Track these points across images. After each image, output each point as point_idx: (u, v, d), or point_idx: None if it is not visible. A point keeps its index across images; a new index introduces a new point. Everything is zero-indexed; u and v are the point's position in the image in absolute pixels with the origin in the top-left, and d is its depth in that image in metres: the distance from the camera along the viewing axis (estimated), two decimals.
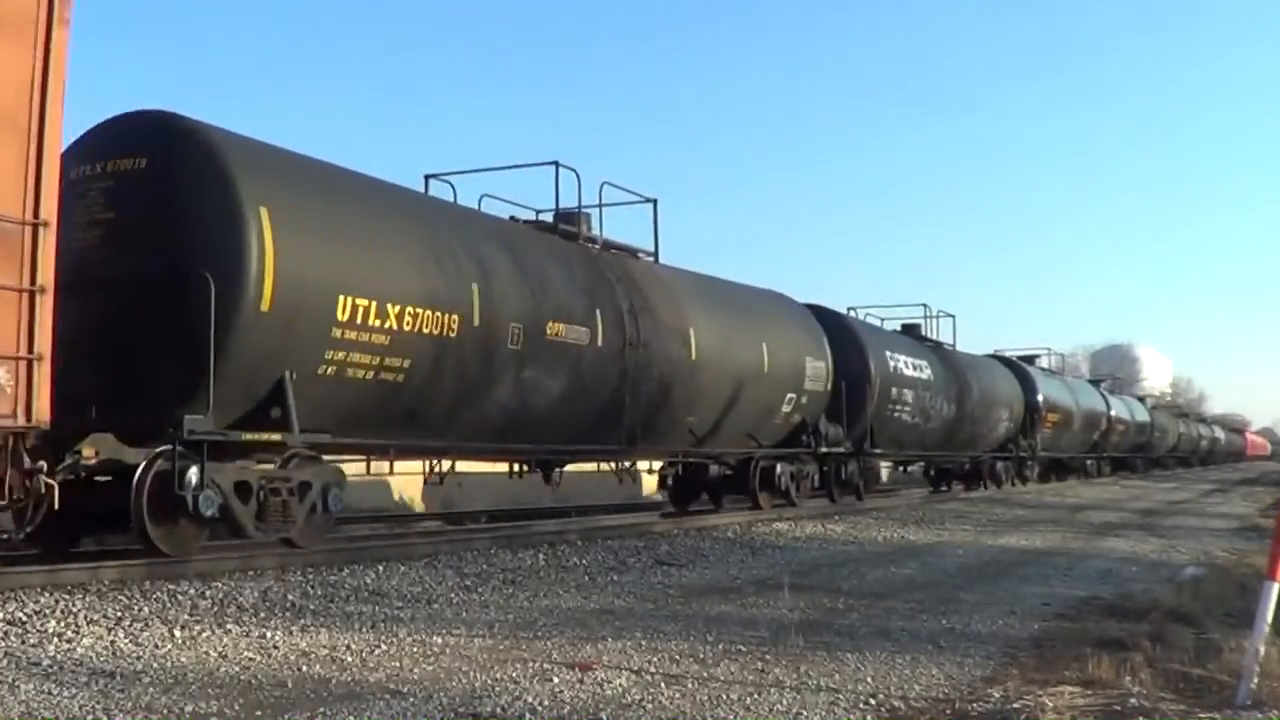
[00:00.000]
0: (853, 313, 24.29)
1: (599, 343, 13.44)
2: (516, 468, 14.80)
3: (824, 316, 20.68)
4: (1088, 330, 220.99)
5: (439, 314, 11.07)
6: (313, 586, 9.00)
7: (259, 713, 5.30)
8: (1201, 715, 5.46)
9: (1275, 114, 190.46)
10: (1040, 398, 32.38)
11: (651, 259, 16.15)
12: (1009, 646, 7.59)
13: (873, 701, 5.93)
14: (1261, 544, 14.39)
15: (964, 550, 14.51)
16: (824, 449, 19.24)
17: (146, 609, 7.68)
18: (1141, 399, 57.92)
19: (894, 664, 6.89)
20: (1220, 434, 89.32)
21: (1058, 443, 35.10)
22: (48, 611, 7.31)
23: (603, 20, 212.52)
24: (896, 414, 22.42)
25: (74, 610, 7.39)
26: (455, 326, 11.26)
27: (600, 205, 15.06)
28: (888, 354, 22.34)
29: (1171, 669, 6.41)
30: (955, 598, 9.81)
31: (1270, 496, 32.84)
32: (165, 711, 5.24)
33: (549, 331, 12.62)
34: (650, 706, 5.66)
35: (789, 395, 17.96)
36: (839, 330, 20.79)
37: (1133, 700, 5.70)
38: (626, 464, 16.05)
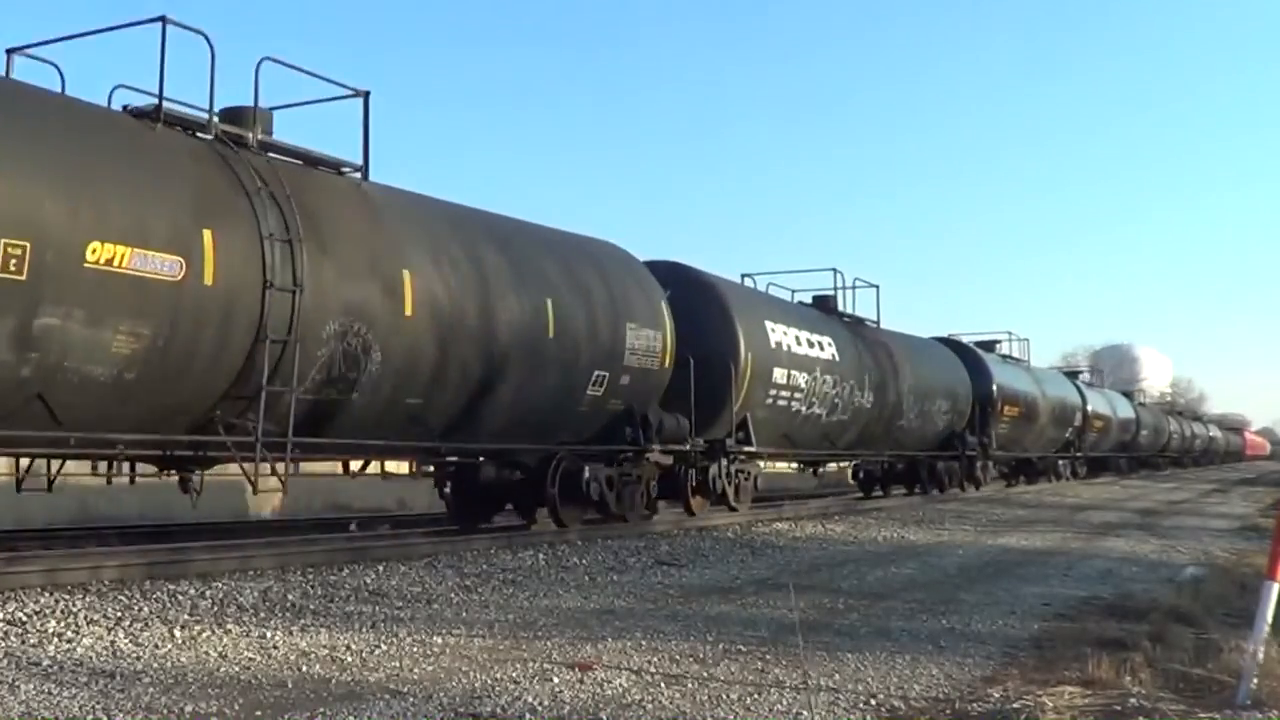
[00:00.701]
0: (749, 281, 19.98)
1: (206, 279, 9.16)
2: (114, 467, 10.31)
3: (669, 274, 16.05)
4: (1088, 330, 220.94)
5: None
6: (313, 586, 9.00)
7: (259, 713, 5.30)
8: (1201, 715, 5.46)
9: (1275, 113, 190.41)
10: (995, 387, 28.15)
11: (358, 175, 11.44)
12: (1009, 646, 7.58)
13: (873, 701, 5.93)
14: (1261, 544, 14.39)
15: (964, 550, 14.51)
16: (658, 446, 14.69)
17: (146, 609, 7.68)
18: (1128, 394, 53.76)
19: (894, 664, 6.89)
20: (1217, 433, 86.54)
21: (1020, 440, 31.07)
22: (48, 611, 7.31)
23: None
24: (782, 402, 17.85)
25: (74, 610, 7.39)
26: None
27: (257, 106, 10.63)
28: (769, 326, 17.63)
29: (1171, 669, 6.41)
30: (955, 598, 9.81)
31: (1270, 496, 32.84)
32: (165, 711, 5.24)
33: (91, 256, 8.42)
34: (650, 706, 5.65)
35: (598, 374, 13.48)
36: (691, 291, 16.26)
37: (1133, 700, 5.70)
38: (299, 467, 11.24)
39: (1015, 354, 34.16)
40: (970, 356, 28.19)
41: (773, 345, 17.60)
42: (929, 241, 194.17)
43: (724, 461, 16.69)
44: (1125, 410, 46.93)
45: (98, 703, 5.34)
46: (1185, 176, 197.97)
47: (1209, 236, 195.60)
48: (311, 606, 8.23)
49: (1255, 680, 5.75)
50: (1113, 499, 29.33)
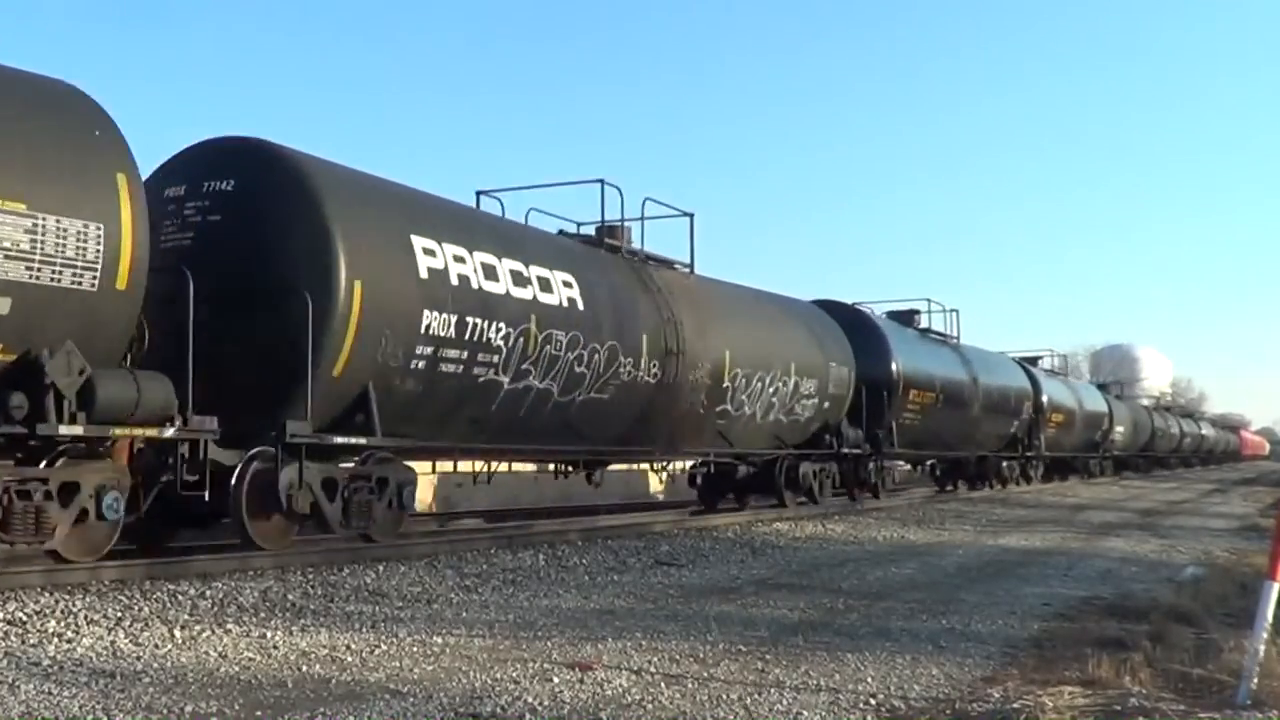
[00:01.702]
0: (488, 201, 14.38)
1: None
2: None
3: (220, 153, 10.63)
4: (1088, 330, 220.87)
5: None
6: (313, 586, 9.00)
7: (259, 713, 5.30)
8: (1201, 715, 5.46)
9: (1275, 114, 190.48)
10: (894, 366, 21.79)
11: None
12: (1009, 646, 7.59)
13: (873, 701, 5.93)
14: (1261, 544, 14.40)
15: (964, 550, 14.51)
16: (82, 427, 8.27)
17: (146, 609, 7.68)
18: (1103, 386, 47.84)
19: (894, 664, 6.89)
20: (1210, 431, 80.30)
21: (939, 434, 24.61)
22: (48, 611, 7.31)
23: None
24: (451, 367, 11.41)
25: (74, 610, 7.39)
26: None
27: None
28: (421, 243, 11.25)
29: (1171, 669, 6.41)
30: (955, 598, 9.81)
31: (1270, 496, 32.89)
32: (165, 711, 5.24)
33: None
34: (650, 706, 5.65)
35: None
36: (250, 173, 10.40)
37: (1133, 700, 5.70)
38: None
39: (940, 328, 27.34)
40: (861, 327, 21.73)
41: (424, 274, 11.21)
42: (928, 240, 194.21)
43: (300, 463, 10.14)
44: (1095, 402, 40.11)
45: (98, 703, 5.34)
46: (1186, 177, 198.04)
47: (1210, 237, 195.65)
48: (311, 606, 8.23)
49: (1255, 680, 5.75)
50: (1113, 499, 29.37)
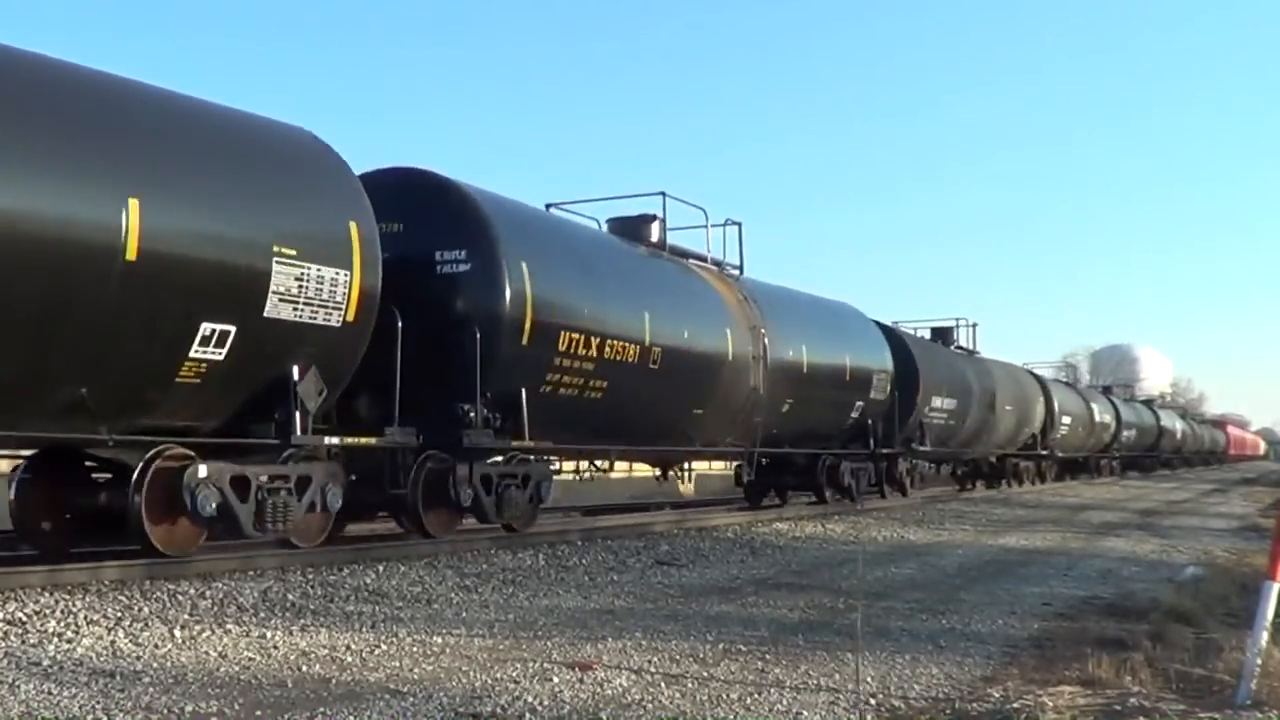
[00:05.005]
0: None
1: None
2: None
3: None
4: (1088, 330, 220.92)
5: None
6: (313, 586, 8.99)
7: (259, 713, 5.30)
8: (1201, 715, 5.46)
9: (1275, 114, 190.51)
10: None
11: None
12: (1009, 646, 7.59)
13: (873, 701, 5.93)
14: (1261, 544, 14.40)
15: (964, 550, 14.51)
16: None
17: (146, 609, 7.68)
18: (943, 337, 28.54)
19: (894, 664, 6.89)
20: (1179, 425, 63.42)
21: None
22: (48, 611, 7.30)
23: None
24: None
25: (74, 610, 7.39)
26: None
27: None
28: None
29: (1172, 669, 6.41)
30: (955, 597, 9.81)
31: (1270, 496, 32.88)
32: (165, 711, 5.24)
33: None
34: (650, 706, 5.66)
35: None
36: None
37: (1133, 700, 5.70)
38: None
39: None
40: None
41: None
42: (927, 240, 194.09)
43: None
44: (865, 359, 20.57)
45: (98, 703, 5.34)
46: (1188, 177, 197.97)
47: (1211, 236, 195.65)
48: (311, 606, 8.23)
49: (1255, 680, 5.75)
50: (1114, 499, 29.37)
